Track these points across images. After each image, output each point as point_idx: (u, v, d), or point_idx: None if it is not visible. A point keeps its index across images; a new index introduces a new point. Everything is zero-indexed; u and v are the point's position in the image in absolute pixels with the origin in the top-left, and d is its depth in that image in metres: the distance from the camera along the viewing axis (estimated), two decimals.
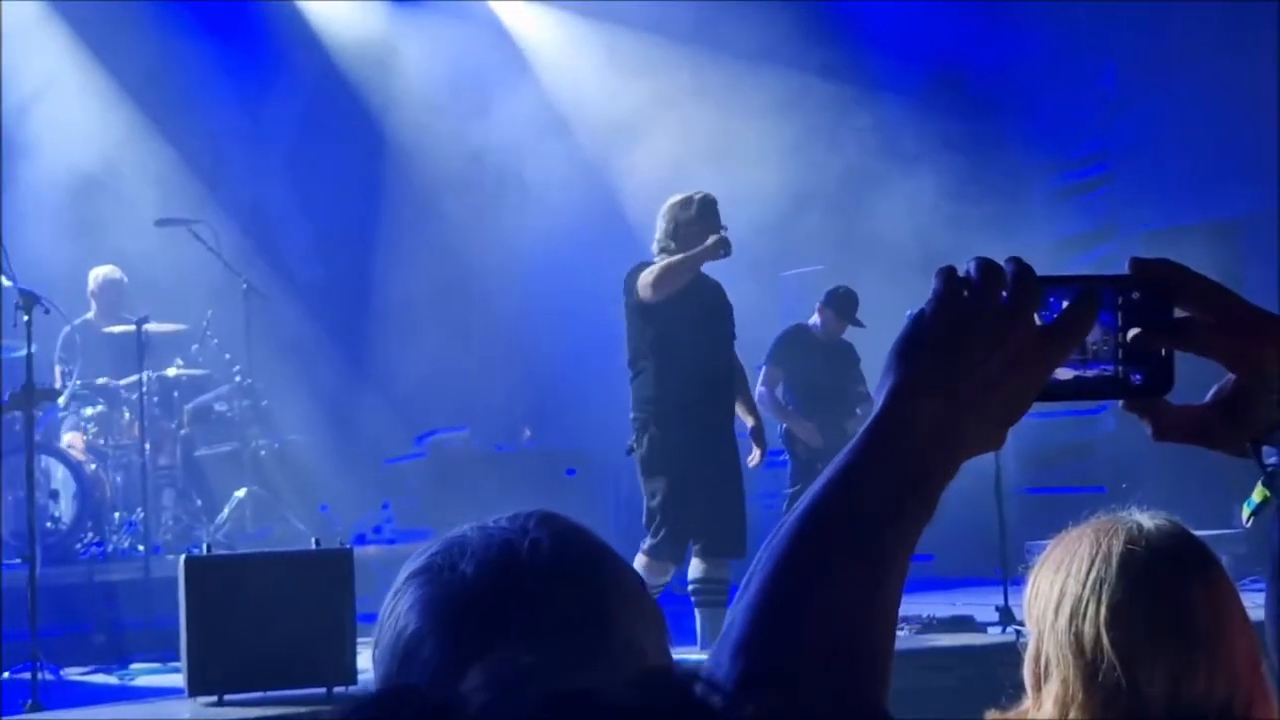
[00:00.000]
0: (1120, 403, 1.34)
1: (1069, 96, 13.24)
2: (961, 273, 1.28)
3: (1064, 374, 1.30)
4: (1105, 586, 2.10)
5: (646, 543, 8.01)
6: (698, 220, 8.02)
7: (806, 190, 12.90)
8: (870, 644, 1.21)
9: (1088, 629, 2.09)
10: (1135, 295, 1.30)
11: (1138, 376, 1.30)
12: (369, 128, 13.98)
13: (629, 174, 13.57)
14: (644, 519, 8.08)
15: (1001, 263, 1.28)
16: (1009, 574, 8.26)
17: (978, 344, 1.26)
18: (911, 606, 8.97)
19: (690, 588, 8.10)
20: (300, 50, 13.87)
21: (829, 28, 13.51)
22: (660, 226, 8.17)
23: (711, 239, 7.89)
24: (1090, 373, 1.31)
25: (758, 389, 10.02)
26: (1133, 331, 1.30)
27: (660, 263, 7.90)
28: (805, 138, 13.11)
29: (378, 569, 11.67)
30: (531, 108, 13.79)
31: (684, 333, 7.97)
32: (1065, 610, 2.11)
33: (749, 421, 8.37)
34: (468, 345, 13.44)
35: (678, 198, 8.21)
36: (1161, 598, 2.09)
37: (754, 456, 8.40)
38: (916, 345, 1.26)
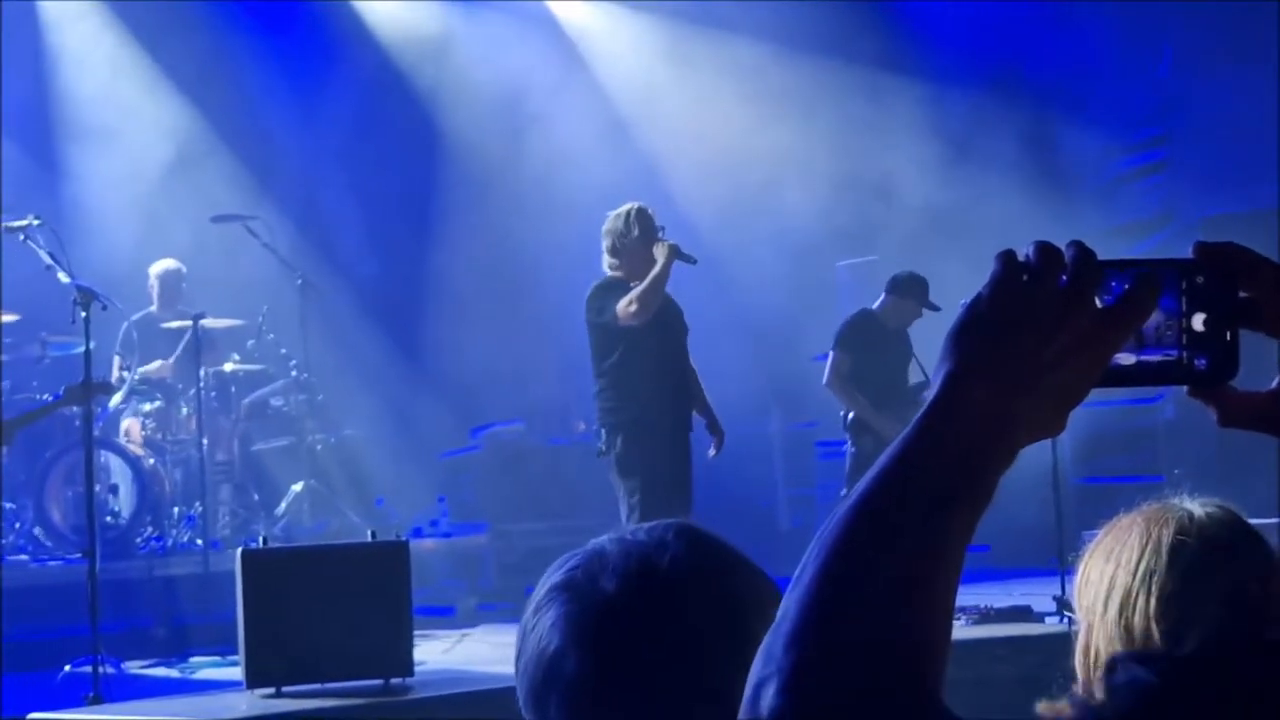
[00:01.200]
0: (1183, 390, 1.32)
1: (1126, 83, 13.14)
2: (1021, 257, 1.25)
3: (1127, 359, 1.27)
4: (1155, 578, 2.05)
5: None
6: (638, 235, 8.39)
7: (861, 180, 12.86)
8: (926, 635, 1.19)
9: (1138, 621, 2.04)
10: (1200, 279, 1.27)
11: (1202, 362, 1.27)
12: (422, 122, 14.01)
13: (681, 166, 13.56)
14: (623, 516, 8.45)
15: (1062, 247, 1.26)
16: (1065, 564, 8.20)
17: (1035, 328, 1.23)
18: (969, 597, 8.93)
19: None
20: (353, 46, 13.92)
21: (883, 18, 13.47)
22: (604, 244, 8.55)
23: (662, 251, 8.29)
24: (1154, 358, 1.27)
25: (826, 376, 9.93)
26: (1198, 316, 1.27)
27: (637, 290, 8.25)
28: (859, 128, 13.07)
29: (435, 562, 11.75)
30: (583, 101, 13.80)
31: (646, 345, 8.36)
32: (1115, 601, 2.07)
33: (705, 418, 8.77)
34: (522, 338, 13.45)
35: (612, 215, 8.58)
36: (1213, 590, 2.04)
37: (713, 447, 8.82)
38: (971, 330, 1.24)
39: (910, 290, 10.01)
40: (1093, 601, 2.10)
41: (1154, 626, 2.03)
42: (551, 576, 1.63)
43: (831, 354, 9.92)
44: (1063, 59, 13.16)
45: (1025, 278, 1.25)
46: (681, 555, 1.60)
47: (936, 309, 9.88)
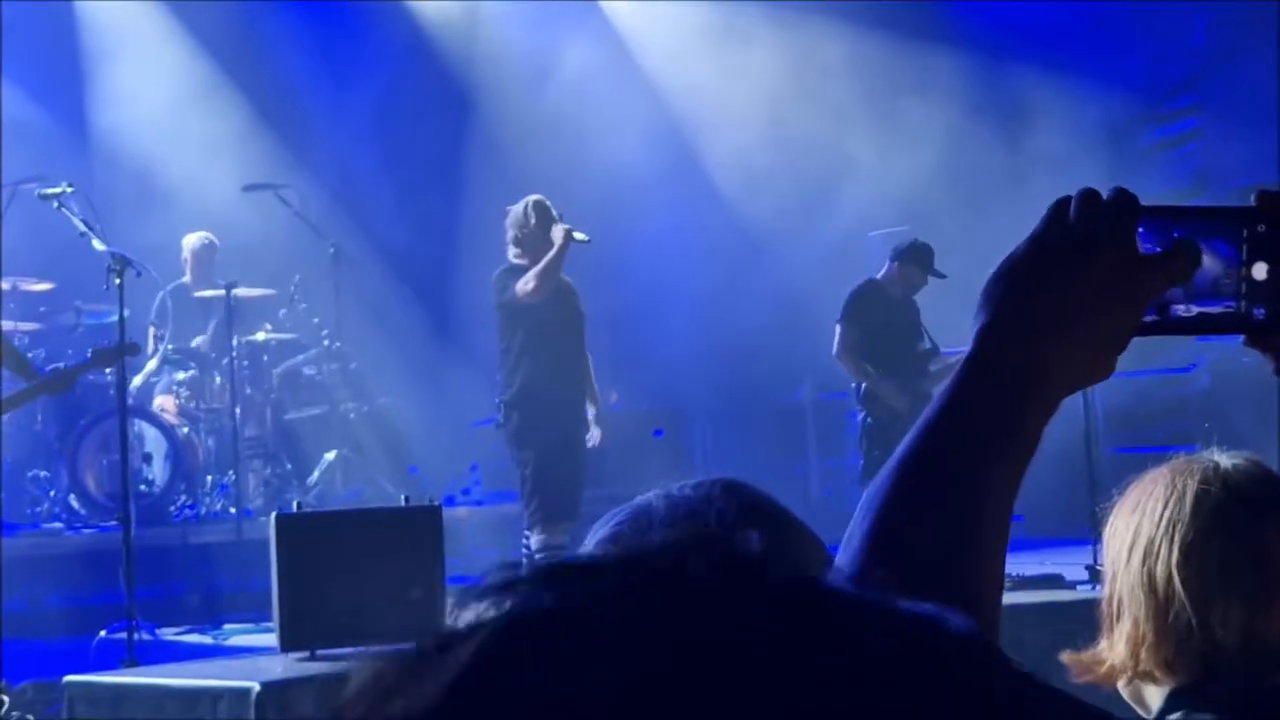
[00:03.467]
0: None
1: (1159, 51, 13.07)
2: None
3: (1185, 309, 1.27)
4: (1178, 527, 2.06)
5: (531, 516, 9.08)
6: (536, 225, 9.08)
7: (889, 148, 12.83)
8: (980, 584, 1.20)
9: (1160, 569, 2.05)
10: (1260, 229, 1.27)
11: (1260, 311, 1.27)
12: (455, 91, 14.00)
13: (711, 131, 13.53)
14: (520, 489, 9.28)
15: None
16: (1098, 534, 8.17)
17: (1069, 275, 1.23)
18: (1011, 566, 8.92)
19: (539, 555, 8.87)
20: (386, 14, 13.91)
21: None
22: (508, 236, 9.21)
23: (559, 234, 8.93)
24: (1212, 309, 1.27)
25: (835, 347, 9.96)
26: (1259, 265, 1.26)
27: (534, 270, 8.93)
28: (886, 94, 13.04)
29: (468, 530, 11.78)
30: (614, 67, 13.77)
31: (547, 328, 9.04)
32: (1139, 550, 2.08)
33: (591, 410, 9.41)
34: None
35: (514, 208, 9.24)
36: (1235, 537, 2.04)
37: (593, 437, 9.45)
38: (1007, 281, 1.24)
39: (913, 258, 10.04)
40: (1118, 552, 2.11)
41: (1175, 575, 2.04)
42: (598, 532, 1.63)
43: (839, 326, 9.94)
44: (1097, 26, 13.09)
45: (1064, 225, 1.24)
46: (728, 511, 1.60)
47: (941, 276, 9.88)
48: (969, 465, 1.21)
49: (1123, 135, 12.98)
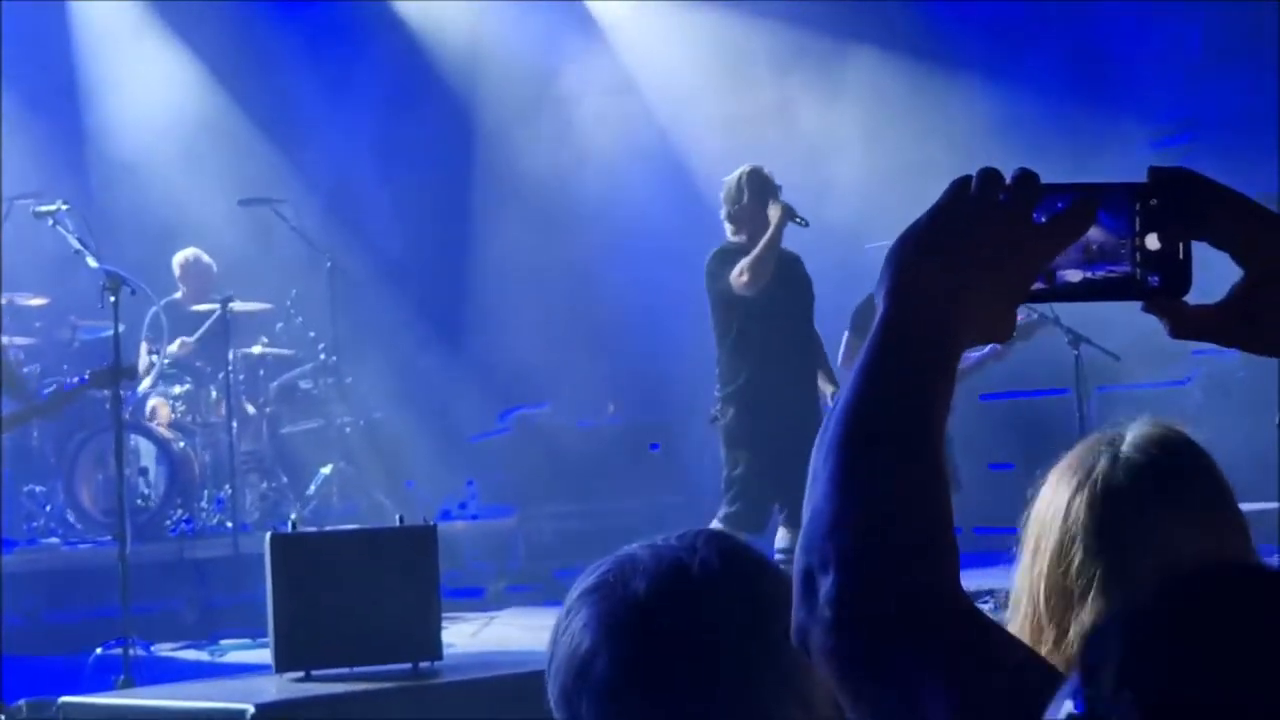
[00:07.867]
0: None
1: (1153, 63, 13.10)
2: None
3: (1080, 274, 1.34)
4: (1068, 540, 2.10)
5: (722, 511, 8.26)
6: (750, 198, 8.27)
7: (892, 164, 12.85)
8: (934, 528, 1.26)
9: (1045, 575, 2.11)
10: (1153, 202, 1.33)
11: (1155, 279, 1.34)
12: (452, 103, 14.01)
13: (710, 141, 13.54)
14: (723, 486, 8.34)
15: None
16: None
17: (964, 240, 1.31)
18: (1001, 577, 8.92)
19: (777, 556, 8.17)
20: (382, 24, 13.92)
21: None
22: (721, 213, 8.45)
23: (775, 213, 8.13)
24: (1108, 275, 1.35)
25: (841, 357, 10.01)
26: (1151, 236, 1.33)
27: (748, 260, 8.08)
28: (883, 108, 13.06)
29: (464, 545, 11.79)
30: (614, 80, 13.79)
31: (765, 312, 8.21)
32: (1041, 556, 2.13)
33: (828, 390, 8.56)
34: (551, 321, 13.46)
35: (727, 180, 8.45)
36: (1117, 559, 2.08)
37: None
38: (906, 248, 1.32)
39: None
40: (1024, 546, 2.17)
41: (1041, 592, 2.10)
42: (583, 581, 1.66)
43: (846, 336, 10.05)
44: (1089, 39, 13.13)
45: (965, 199, 1.33)
46: (711, 559, 1.64)
47: None
48: (904, 410, 1.29)
49: (1114, 149, 12.99)
